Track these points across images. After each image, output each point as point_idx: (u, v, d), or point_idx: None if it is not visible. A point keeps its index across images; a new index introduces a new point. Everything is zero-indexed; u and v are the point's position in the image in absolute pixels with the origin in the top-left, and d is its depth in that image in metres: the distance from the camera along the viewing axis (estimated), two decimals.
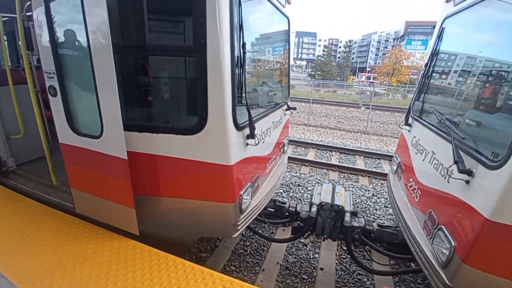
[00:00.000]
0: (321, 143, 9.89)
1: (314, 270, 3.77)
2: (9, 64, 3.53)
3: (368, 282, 3.63)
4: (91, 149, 2.23)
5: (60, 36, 2.22)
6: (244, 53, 2.05)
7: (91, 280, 1.96)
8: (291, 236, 3.47)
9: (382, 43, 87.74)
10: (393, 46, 72.38)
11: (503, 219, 1.63)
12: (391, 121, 16.08)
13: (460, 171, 1.96)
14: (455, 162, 2.02)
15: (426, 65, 3.39)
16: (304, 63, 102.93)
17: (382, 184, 6.72)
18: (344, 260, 3.99)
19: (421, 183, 2.77)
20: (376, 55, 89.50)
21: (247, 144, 2.41)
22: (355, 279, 3.67)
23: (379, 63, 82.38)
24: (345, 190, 3.41)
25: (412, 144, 3.30)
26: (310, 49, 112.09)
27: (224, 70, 1.91)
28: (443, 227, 2.14)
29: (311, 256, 4.03)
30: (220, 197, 2.24)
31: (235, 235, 2.42)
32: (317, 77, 50.86)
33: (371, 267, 3.43)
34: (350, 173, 7.25)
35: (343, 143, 10.48)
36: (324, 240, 4.07)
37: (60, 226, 2.60)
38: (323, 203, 3.07)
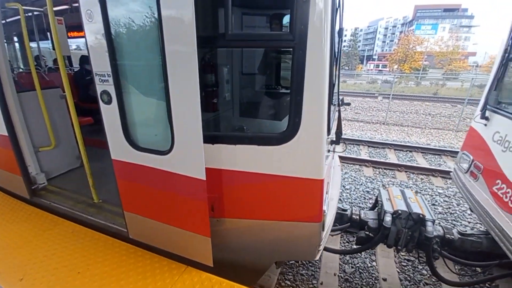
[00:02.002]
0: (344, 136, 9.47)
1: (376, 281, 3.45)
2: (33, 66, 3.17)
3: None
4: (155, 168, 1.88)
5: (119, 29, 1.86)
6: (341, 41, 1.68)
7: None
8: (359, 247, 3.13)
9: (390, 29, 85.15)
10: (401, 32, 70.26)
11: None
12: (411, 111, 15.47)
13: None
14: None
15: (505, 50, 2.95)
16: None
17: (422, 179, 6.30)
18: (405, 268, 3.66)
19: None
20: (384, 41, 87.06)
21: (328, 151, 2.06)
22: None
23: (386, 50, 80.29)
24: (417, 195, 3.04)
25: (495, 140, 2.90)
26: None
27: (325, 64, 1.54)
28: None
29: (369, 265, 3.71)
30: (307, 217, 1.91)
31: (317, 257, 2.10)
32: None
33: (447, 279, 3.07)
34: (385, 168, 6.84)
35: (362, 135, 10.04)
36: (398, 252, 3.74)
37: (115, 256, 2.21)
38: (400, 212, 2.71)
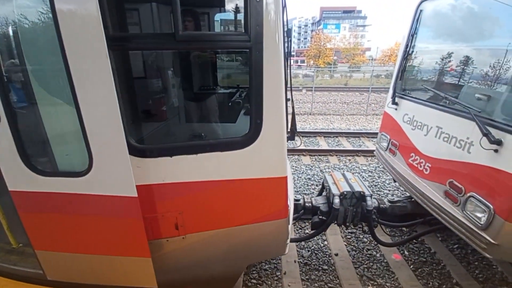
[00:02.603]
0: None
1: (330, 258, 3.80)
2: None
3: (378, 255, 3.86)
4: (70, 193, 1.59)
5: (2, 29, 1.48)
6: (290, 41, 1.73)
7: None
8: (314, 231, 3.37)
9: (303, 28, 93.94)
10: (312, 30, 78.30)
11: None
12: (330, 100, 17.47)
13: (492, 142, 2.14)
14: (484, 135, 2.18)
15: (406, 45, 3.61)
16: None
17: (349, 160, 7.22)
18: (350, 240, 4.15)
19: (430, 157, 2.98)
20: (299, 39, 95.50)
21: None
22: (367, 255, 3.86)
23: (302, 47, 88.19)
24: (355, 175, 3.46)
25: (405, 121, 3.52)
26: None
27: (281, 63, 1.57)
28: (474, 194, 2.34)
29: (322, 245, 4.05)
30: (274, 215, 1.93)
31: (287, 251, 2.17)
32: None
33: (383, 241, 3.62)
34: (319, 155, 7.54)
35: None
36: (347, 228, 4.13)
37: None
38: (345, 192, 3.04)
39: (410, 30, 3.54)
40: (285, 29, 1.71)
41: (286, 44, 1.83)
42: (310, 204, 3.31)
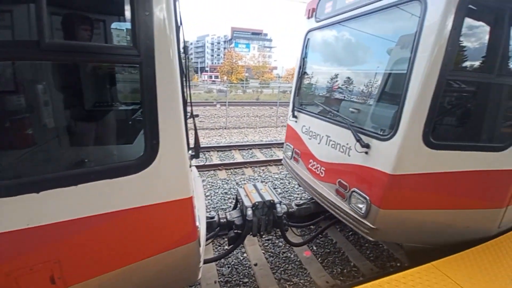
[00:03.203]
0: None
1: (250, 269, 3.85)
2: None
3: (292, 256, 4.16)
4: None
5: None
6: (188, 58, 1.69)
7: None
8: (231, 246, 3.34)
9: (215, 45, 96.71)
10: (224, 48, 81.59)
11: (399, 171, 2.40)
12: (244, 114, 18.36)
13: (363, 146, 2.65)
14: (357, 141, 2.69)
15: (299, 67, 4.16)
16: None
17: (263, 170, 7.66)
18: (268, 247, 4.33)
19: (323, 161, 3.46)
20: (212, 55, 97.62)
21: (190, 166, 2.05)
22: (283, 258, 4.10)
23: (215, 63, 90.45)
24: (265, 185, 3.66)
25: (303, 132, 4.01)
26: None
27: (177, 79, 1.50)
28: (355, 189, 2.83)
29: (241, 258, 4.07)
30: (182, 240, 1.79)
31: (199, 276, 2.05)
32: None
33: (295, 242, 3.93)
34: (235, 168, 7.71)
35: (210, 142, 10.77)
36: (261, 237, 4.22)
37: None
38: (257, 203, 3.16)
39: (301, 54, 4.11)
40: (182, 45, 1.68)
41: (185, 61, 1.79)
42: (225, 220, 3.29)
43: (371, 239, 2.77)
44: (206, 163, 7.57)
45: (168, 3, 1.39)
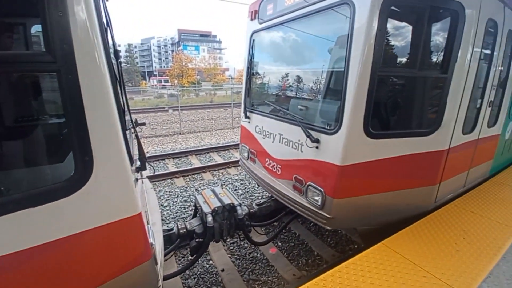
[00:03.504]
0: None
1: (217, 276, 3.75)
2: None
3: (258, 255, 4.18)
4: None
5: None
6: (120, 64, 1.53)
7: None
8: (194, 256, 3.19)
9: (163, 48, 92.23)
10: (172, 50, 78.47)
11: (347, 162, 2.57)
12: (198, 118, 17.91)
13: (313, 141, 2.77)
14: (308, 136, 2.81)
15: (248, 68, 4.18)
16: None
17: (222, 173, 7.56)
18: (233, 251, 4.28)
19: (278, 159, 3.53)
20: (160, 59, 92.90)
21: (136, 180, 1.89)
22: (250, 259, 4.09)
23: (164, 66, 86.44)
24: (224, 188, 3.59)
25: (257, 131, 4.04)
26: None
27: (107, 87, 1.34)
28: (311, 183, 2.95)
29: (207, 266, 3.95)
30: (133, 261, 1.63)
31: None
32: None
33: (260, 242, 3.95)
34: (193, 174, 7.46)
35: (165, 149, 10.23)
36: (226, 242, 4.12)
37: None
38: (216, 208, 3.08)
39: (248, 55, 4.14)
40: (113, 49, 1.52)
41: (117, 67, 1.63)
42: (185, 230, 3.14)
43: (328, 228, 2.92)
44: (162, 172, 7.17)
45: (87, 3, 1.24)
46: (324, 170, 2.79)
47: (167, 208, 5.46)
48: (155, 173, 7.04)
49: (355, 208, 2.84)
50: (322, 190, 2.80)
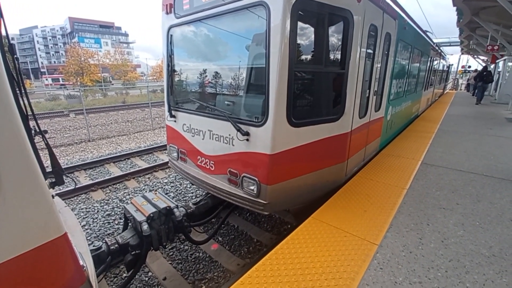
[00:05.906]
0: None
1: (160, 287, 3.55)
2: None
3: (201, 254, 4.15)
4: None
5: None
6: (17, 59, 1.25)
7: None
8: (131, 271, 2.91)
9: (50, 40, 76.03)
10: (64, 43, 65.78)
11: (276, 150, 2.83)
12: (111, 121, 15.86)
13: (243, 135, 2.92)
14: (237, 130, 2.94)
15: (167, 64, 3.98)
16: None
17: (149, 178, 7.02)
18: (173, 256, 4.11)
19: (211, 155, 3.55)
20: (47, 53, 76.48)
21: (53, 197, 1.62)
22: (193, 260, 4.02)
23: (55, 62, 71.99)
24: (156, 193, 3.38)
25: (185, 130, 3.94)
26: None
27: (7, 86, 1.09)
28: (245, 174, 3.11)
29: (146, 278, 3.68)
30: (69, 287, 1.41)
31: None
32: None
33: (200, 240, 3.92)
34: (114, 184, 6.67)
35: (72, 160, 8.69)
36: (165, 248, 3.89)
37: None
38: (151, 214, 2.89)
39: (167, 51, 3.94)
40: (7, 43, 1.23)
41: (15, 64, 1.33)
42: (116, 245, 2.84)
43: (266, 213, 3.15)
44: (73, 188, 6.10)
45: None
46: (256, 161, 2.99)
47: (87, 227, 4.74)
48: (63, 190, 5.95)
49: (286, 191, 3.16)
50: (257, 179, 3.00)
